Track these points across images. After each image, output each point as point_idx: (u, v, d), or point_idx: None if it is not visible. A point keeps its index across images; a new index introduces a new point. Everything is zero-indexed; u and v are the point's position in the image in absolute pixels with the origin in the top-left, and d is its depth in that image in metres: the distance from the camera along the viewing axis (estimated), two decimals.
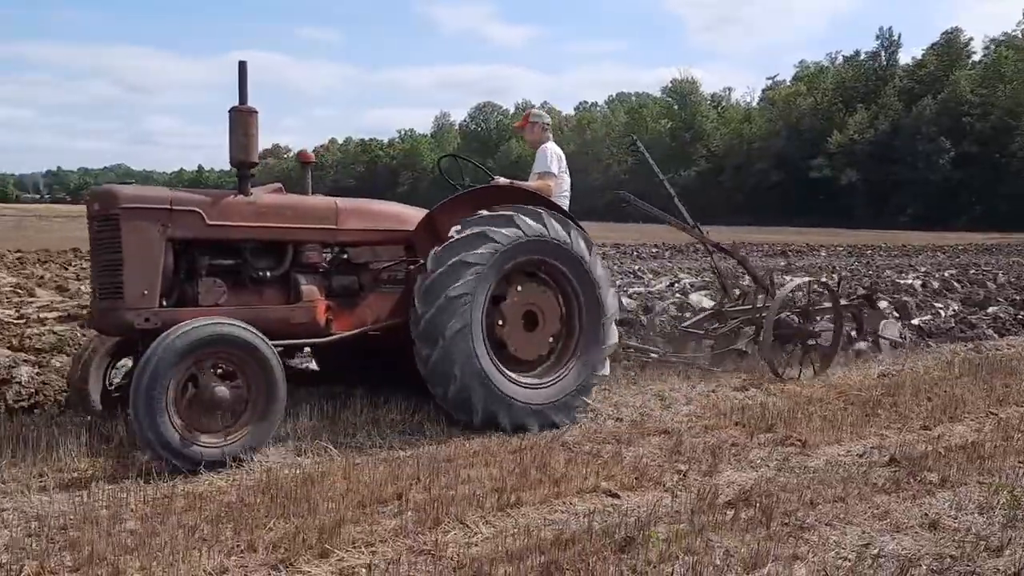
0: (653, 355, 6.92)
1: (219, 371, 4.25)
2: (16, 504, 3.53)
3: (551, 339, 5.18)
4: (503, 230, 4.89)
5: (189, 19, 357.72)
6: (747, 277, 7.87)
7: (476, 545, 3.17)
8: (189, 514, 3.39)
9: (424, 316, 4.72)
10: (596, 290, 5.19)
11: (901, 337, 8.27)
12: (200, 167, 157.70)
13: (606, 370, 5.37)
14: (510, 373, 4.96)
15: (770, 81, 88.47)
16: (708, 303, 8.78)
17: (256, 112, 4.73)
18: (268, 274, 4.82)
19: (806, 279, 7.60)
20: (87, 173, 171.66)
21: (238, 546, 3.10)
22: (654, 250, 25.95)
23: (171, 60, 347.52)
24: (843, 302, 7.45)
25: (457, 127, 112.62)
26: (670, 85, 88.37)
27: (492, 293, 4.92)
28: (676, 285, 12.37)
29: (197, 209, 4.56)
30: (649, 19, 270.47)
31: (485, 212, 5.06)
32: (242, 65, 4.66)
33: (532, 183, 5.71)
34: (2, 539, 3.13)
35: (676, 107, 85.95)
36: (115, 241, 4.41)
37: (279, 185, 5.27)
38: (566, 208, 5.71)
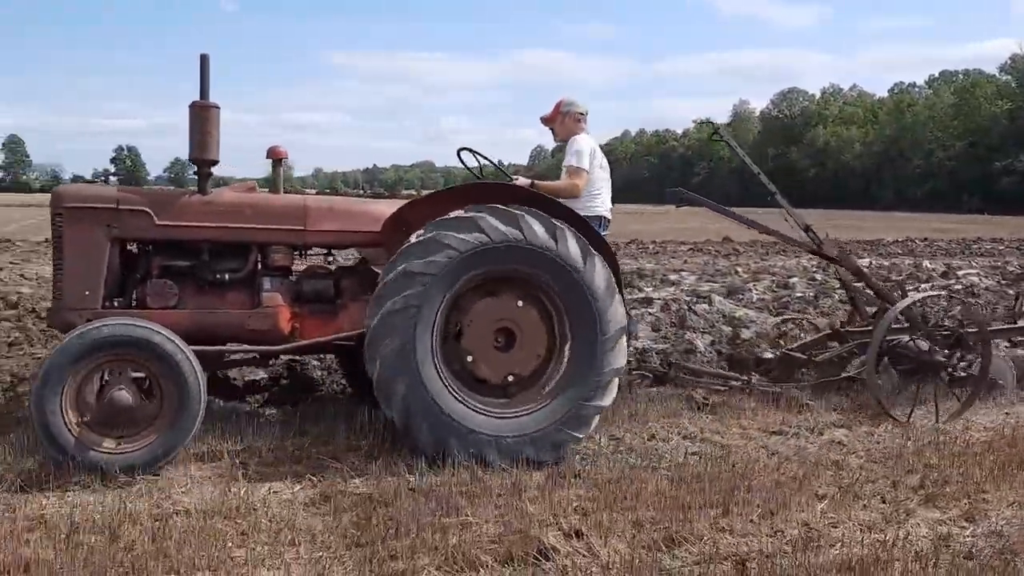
0: (734, 383, 5.87)
1: (135, 376, 4.04)
2: None
3: (536, 360, 4.48)
4: (460, 235, 4.24)
5: (474, 24, 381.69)
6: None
7: None
8: None
9: (368, 330, 4.26)
10: (592, 304, 4.36)
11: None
12: (500, 161, 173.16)
13: (605, 399, 4.46)
14: (469, 398, 4.35)
15: None
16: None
17: (217, 108, 4.53)
18: (227, 277, 4.62)
19: (931, 293, 6.28)
20: (399, 169, 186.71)
21: None
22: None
23: (460, 63, 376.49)
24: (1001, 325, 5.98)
25: (758, 114, 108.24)
26: (1009, 62, 76.53)
27: (455, 305, 4.38)
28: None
29: (146, 209, 4.47)
30: None
31: (456, 213, 4.37)
32: (204, 59, 4.49)
33: (555, 183, 5.13)
34: None
35: (1015, 86, 73.88)
36: (59, 240, 4.43)
37: (253, 183, 5.10)
38: (598, 207, 5.18)
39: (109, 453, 3.94)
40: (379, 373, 4.22)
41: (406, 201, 4.82)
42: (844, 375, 5.83)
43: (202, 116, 4.48)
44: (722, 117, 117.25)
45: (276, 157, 5.11)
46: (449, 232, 4.23)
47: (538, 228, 4.30)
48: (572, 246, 4.34)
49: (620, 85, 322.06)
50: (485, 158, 5.18)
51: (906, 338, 5.65)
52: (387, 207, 4.78)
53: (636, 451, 4.68)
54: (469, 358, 4.39)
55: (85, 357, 3.92)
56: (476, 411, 4.31)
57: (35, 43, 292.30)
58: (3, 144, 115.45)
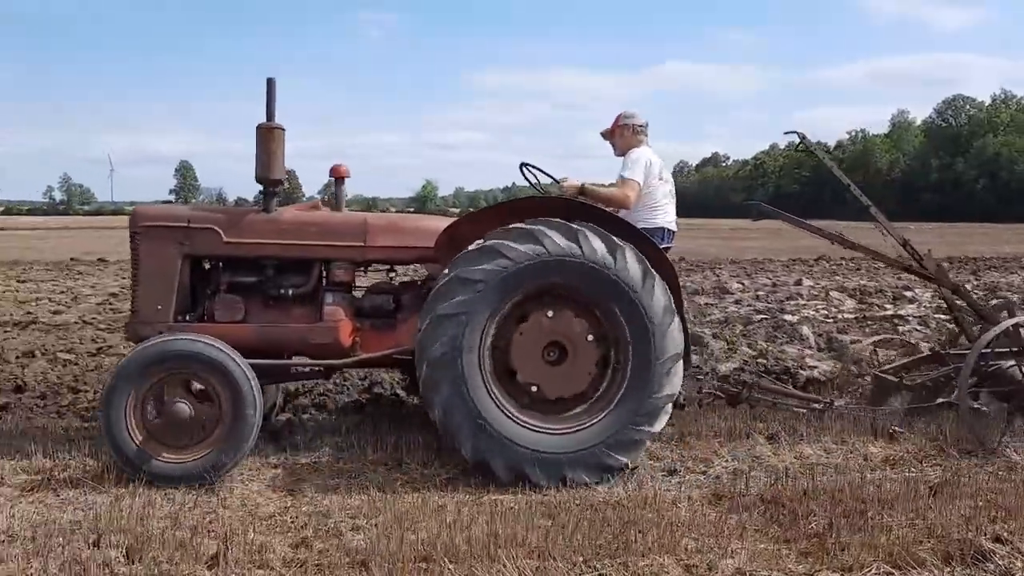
0: (815, 406, 5.41)
1: (195, 389, 4.16)
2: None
3: (587, 378, 4.35)
4: (518, 246, 4.17)
5: (616, 39, 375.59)
6: None
7: None
8: None
9: (418, 334, 4.23)
10: (648, 326, 4.20)
11: None
12: None
13: (656, 426, 4.30)
14: (514, 410, 4.25)
15: None
16: None
17: (283, 129, 4.65)
18: (291, 292, 4.70)
19: None
20: (538, 186, 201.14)
21: None
22: None
23: (600, 78, 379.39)
24: None
25: (919, 124, 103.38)
26: None
27: (508, 315, 4.29)
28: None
29: (214, 227, 4.62)
30: None
31: (517, 225, 4.29)
32: (270, 83, 4.62)
33: (607, 190, 5.04)
34: None
35: None
36: (136, 257, 4.62)
37: (316, 202, 5.14)
38: (659, 220, 5.03)
39: (169, 463, 4.07)
40: (425, 375, 4.19)
41: (463, 216, 4.80)
42: (939, 401, 5.23)
43: (268, 137, 4.62)
44: (879, 127, 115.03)
45: (338, 176, 5.17)
46: (507, 242, 4.18)
47: (598, 245, 4.20)
48: (632, 266, 4.21)
49: (766, 95, 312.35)
50: (544, 172, 5.14)
51: (1010, 363, 5.02)
52: (444, 223, 4.77)
53: None
54: (518, 371, 4.29)
55: (146, 371, 4.07)
56: (519, 424, 4.20)
57: (201, 71, 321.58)
58: (176, 169, 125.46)
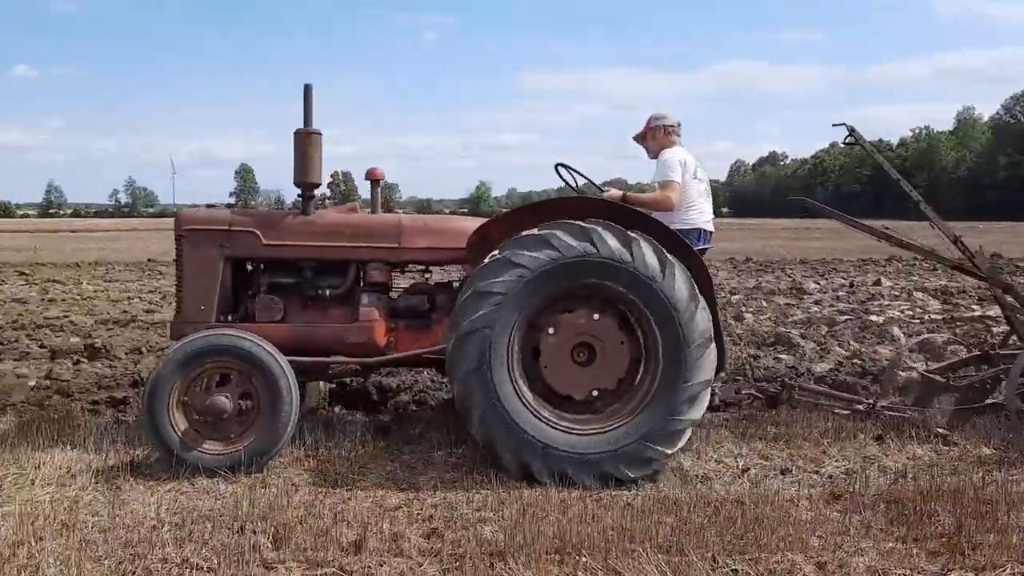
0: (858, 407, 5.28)
1: (234, 382, 4.28)
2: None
3: (620, 374, 4.35)
4: (532, 253, 4.18)
5: (668, 38, 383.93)
6: None
7: None
8: None
9: (447, 348, 4.28)
10: (674, 314, 4.17)
11: None
12: None
13: (695, 413, 4.25)
14: (548, 415, 4.26)
15: None
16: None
17: (319, 134, 4.74)
18: (328, 292, 4.81)
19: None
20: (591, 187, 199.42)
21: None
22: None
23: (652, 78, 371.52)
24: None
25: (986, 121, 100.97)
26: None
27: (533, 322, 4.31)
28: None
29: (254, 230, 4.75)
30: None
31: (528, 232, 4.27)
32: (307, 89, 4.71)
33: (647, 195, 5.05)
34: None
35: None
36: (180, 259, 4.79)
37: (354, 204, 5.17)
38: (694, 219, 5.00)
39: (211, 454, 4.21)
40: (457, 393, 4.24)
41: (493, 217, 4.80)
42: (987, 402, 5.10)
43: (305, 142, 4.72)
44: (943, 124, 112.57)
45: (374, 178, 5.25)
46: (520, 251, 4.19)
47: (611, 240, 4.18)
48: (648, 256, 4.18)
49: (825, 93, 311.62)
50: (580, 173, 5.17)
51: None
52: (477, 224, 4.76)
53: None
54: (549, 375, 4.31)
55: (188, 365, 4.21)
56: (557, 428, 4.21)
57: (261, 76, 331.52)
58: (236, 172, 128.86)
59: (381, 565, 3.33)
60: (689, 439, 4.74)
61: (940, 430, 4.95)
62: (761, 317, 9.81)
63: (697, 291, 4.28)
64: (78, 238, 37.40)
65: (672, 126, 5.24)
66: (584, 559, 3.31)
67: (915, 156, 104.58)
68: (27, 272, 17.73)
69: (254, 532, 3.57)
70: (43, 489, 4.10)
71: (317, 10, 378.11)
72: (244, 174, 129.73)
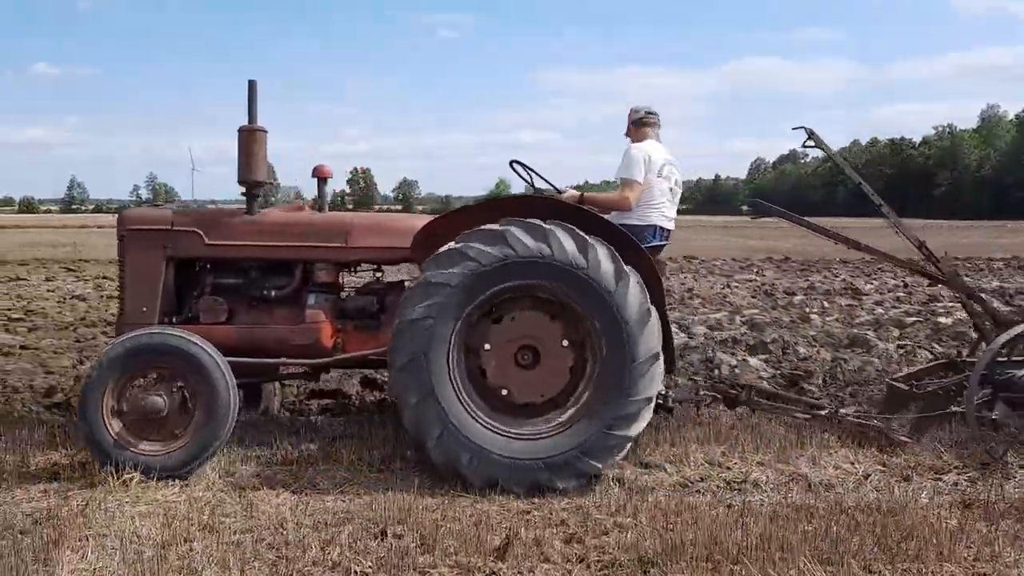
0: (818, 413, 5.11)
1: (175, 383, 4.21)
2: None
3: (561, 382, 4.22)
4: (486, 247, 4.06)
5: (687, 36, 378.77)
6: None
7: None
8: None
9: (392, 339, 4.15)
10: (623, 327, 4.04)
11: None
12: (716, 176, 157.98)
13: (633, 430, 4.10)
14: (486, 416, 4.15)
15: None
16: None
17: (265, 131, 4.66)
18: (274, 293, 4.74)
19: None
20: (609, 185, 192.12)
21: None
22: None
23: (671, 76, 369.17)
24: None
25: (1012, 118, 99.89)
26: None
27: (479, 318, 4.19)
28: None
29: (197, 229, 4.67)
30: None
31: (489, 226, 4.15)
32: (252, 85, 4.64)
33: (605, 195, 4.94)
34: None
35: None
36: (122, 260, 4.73)
37: (300, 203, 5.11)
38: (652, 216, 4.78)
39: (146, 455, 4.11)
40: (393, 381, 4.16)
41: (440, 216, 4.65)
42: (948, 410, 4.88)
43: (250, 139, 4.63)
44: (967, 123, 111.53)
45: (321, 176, 5.15)
46: (474, 244, 4.07)
47: (568, 244, 4.06)
48: (605, 265, 4.05)
49: (846, 91, 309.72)
50: (535, 172, 5.02)
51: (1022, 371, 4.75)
52: (426, 222, 4.59)
53: None
54: (489, 375, 4.19)
55: (121, 365, 4.13)
56: (491, 430, 4.10)
57: (279, 74, 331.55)
58: None
59: (531, 571, 3.31)
60: (803, 444, 4.76)
61: (901, 438, 4.85)
62: (827, 318, 9.68)
63: (649, 305, 4.16)
64: (107, 233, 37.62)
65: (643, 118, 5.04)
66: (738, 567, 3.28)
67: (938, 155, 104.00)
68: (74, 268, 17.88)
69: (396, 536, 3.56)
70: (168, 490, 4.11)
71: (333, 9, 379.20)
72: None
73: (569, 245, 4.10)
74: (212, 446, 4.21)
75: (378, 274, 5.17)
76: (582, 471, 4.11)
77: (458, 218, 4.48)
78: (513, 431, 4.18)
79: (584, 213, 4.39)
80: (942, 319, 9.48)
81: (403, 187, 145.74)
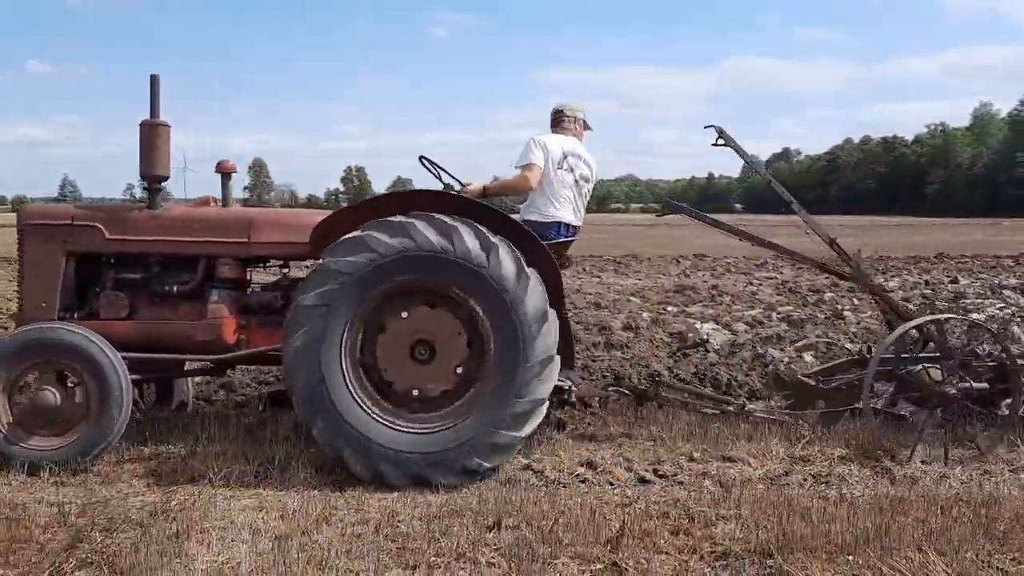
0: (727, 408, 5.19)
1: (62, 377, 4.22)
2: None
3: (454, 378, 4.21)
4: (386, 238, 4.06)
5: (682, 33, 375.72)
6: None
7: None
8: None
9: (286, 323, 4.16)
10: (519, 327, 4.06)
11: None
12: (710, 174, 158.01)
13: (522, 430, 4.13)
14: (375, 407, 4.15)
15: None
16: None
17: (167, 126, 4.69)
18: (176, 289, 4.71)
19: (934, 317, 5.13)
20: (603, 184, 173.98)
21: None
22: None
23: (665, 75, 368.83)
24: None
25: (1004, 117, 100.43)
26: None
27: (377, 310, 4.17)
28: None
29: (97, 224, 4.65)
30: None
31: (396, 217, 4.15)
32: (154, 79, 4.66)
33: (506, 180, 4.93)
34: None
35: None
36: (21, 255, 4.72)
37: (208, 198, 5.06)
38: (556, 212, 4.83)
39: (37, 449, 4.12)
40: (286, 364, 4.13)
41: (340, 209, 4.67)
42: (852, 407, 4.97)
43: (152, 134, 4.65)
44: (958, 121, 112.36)
45: (225, 171, 5.11)
46: (375, 234, 4.07)
47: (470, 241, 4.06)
48: (506, 265, 4.07)
49: (838, 90, 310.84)
50: (441, 168, 5.08)
51: (919, 367, 4.89)
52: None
53: None
54: (382, 367, 4.18)
55: (14, 360, 4.14)
56: (379, 421, 4.10)
57: (278, 72, 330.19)
58: (249, 167, 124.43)
59: (648, 561, 3.36)
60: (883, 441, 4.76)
61: (805, 433, 4.92)
62: (862, 315, 9.77)
63: (547, 308, 4.19)
64: None
65: (555, 116, 5.12)
66: (852, 558, 3.33)
67: (931, 153, 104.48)
68: None
69: (510, 527, 3.61)
70: (268, 484, 4.16)
71: (329, 7, 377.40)
72: (257, 168, 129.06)
73: (471, 242, 4.12)
74: (102, 444, 4.21)
75: (284, 270, 5.18)
76: (467, 468, 4.12)
77: (361, 212, 4.44)
78: (403, 425, 4.19)
79: (489, 211, 4.41)
80: (974, 315, 9.57)
81: (398, 185, 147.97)
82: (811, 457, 4.69)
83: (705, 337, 7.98)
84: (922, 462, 4.65)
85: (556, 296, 4.32)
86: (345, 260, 4.10)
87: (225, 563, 3.25)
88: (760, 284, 14.14)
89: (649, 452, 4.80)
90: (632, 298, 11.87)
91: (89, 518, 3.66)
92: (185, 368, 4.98)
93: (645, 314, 9.85)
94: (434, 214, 4.19)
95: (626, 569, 3.29)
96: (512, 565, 3.28)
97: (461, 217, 4.21)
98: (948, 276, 15.49)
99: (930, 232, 39.10)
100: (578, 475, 4.40)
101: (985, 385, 4.93)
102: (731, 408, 5.24)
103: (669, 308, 10.70)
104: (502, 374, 4.14)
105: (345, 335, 4.14)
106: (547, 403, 4.28)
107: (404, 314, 4.23)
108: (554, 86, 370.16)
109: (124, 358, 4.34)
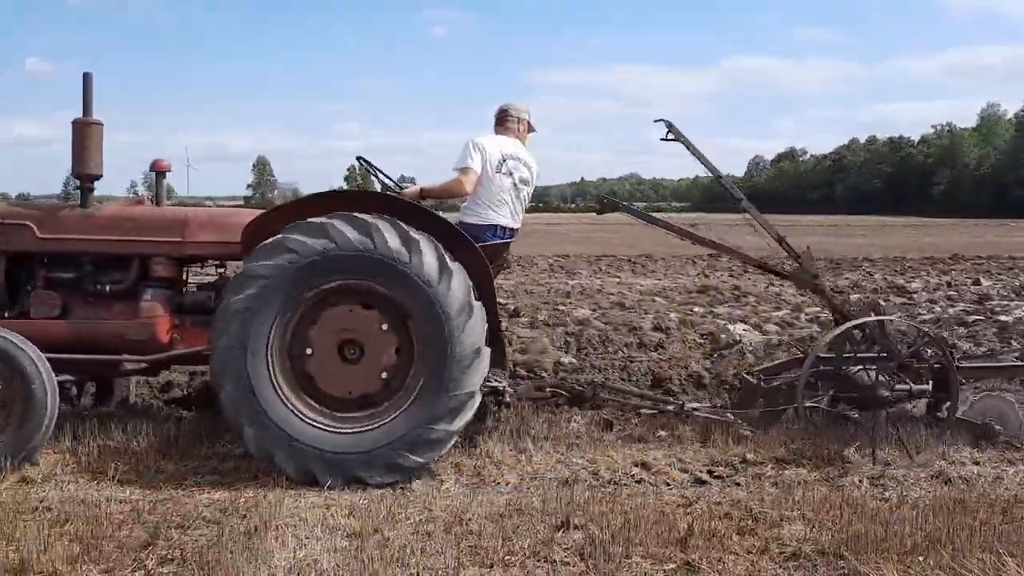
0: (666, 408, 5.21)
1: None
2: None
3: (383, 377, 4.21)
4: (307, 240, 4.06)
5: (682, 33, 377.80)
6: None
7: None
8: None
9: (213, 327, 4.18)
10: (444, 321, 4.07)
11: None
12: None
13: (454, 424, 4.13)
14: (303, 408, 4.15)
15: None
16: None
17: (100, 124, 4.69)
18: (109, 288, 4.69)
19: (876, 318, 5.06)
20: (605, 183, 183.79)
21: None
22: None
23: (667, 74, 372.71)
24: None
25: (1011, 118, 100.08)
26: None
27: (303, 310, 4.16)
28: None
29: (28, 223, 4.63)
30: None
31: (315, 219, 4.15)
32: (86, 77, 4.66)
33: (442, 183, 4.86)
34: None
35: None
36: None
37: (141, 197, 5.16)
38: (493, 216, 4.80)
39: None
40: (211, 370, 4.17)
41: (269, 209, 4.62)
42: (791, 405, 4.92)
43: (84, 133, 4.64)
44: (965, 121, 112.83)
45: (159, 170, 5.11)
46: (296, 236, 4.08)
47: (391, 238, 4.07)
48: (428, 260, 4.08)
49: (843, 90, 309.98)
50: (377, 169, 5.12)
51: (857, 367, 4.87)
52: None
53: None
54: (310, 368, 4.18)
55: None
56: (307, 422, 4.11)
57: (277, 71, 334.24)
58: (253, 165, 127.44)
59: (720, 561, 3.38)
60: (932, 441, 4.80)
61: (746, 432, 4.95)
62: (889, 316, 9.73)
63: (472, 300, 4.20)
64: None
65: (498, 116, 5.10)
66: (922, 559, 3.34)
67: (937, 153, 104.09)
68: None
69: (578, 527, 3.63)
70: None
71: (329, 5, 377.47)
72: (261, 167, 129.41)
73: (392, 239, 4.12)
74: (32, 442, 4.17)
75: (221, 270, 5.16)
76: (401, 466, 4.12)
77: (288, 212, 4.44)
78: (331, 425, 4.19)
79: (418, 210, 4.42)
80: (1002, 317, 9.57)
81: (401, 182, 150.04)
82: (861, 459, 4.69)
83: (738, 338, 7.98)
84: (974, 463, 4.68)
85: (487, 296, 4.37)
86: (266, 264, 4.11)
87: (304, 560, 3.28)
88: (782, 285, 14.09)
89: (701, 453, 4.82)
90: (656, 298, 11.87)
91: (161, 515, 3.70)
92: (120, 368, 4.90)
93: (672, 315, 9.84)
94: (355, 213, 4.19)
95: (699, 568, 3.31)
96: (589, 564, 3.30)
97: (385, 216, 4.21)
98: (969, 277, 15.49)
99: (940, 233, 38.74)
100: (633, 475, 4.43)
101: (927, 387, 4.95)
102: (670, 408, 5.24)
103: (695, 309, 10.69)
104: (431, 369, 4.15)
105: (272, 338, 4.14)
106: (479, 396, 4.28)
107: (330, 314, 4.22)
108: (554, 86, 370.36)
109: (56, 358, 4.32)
